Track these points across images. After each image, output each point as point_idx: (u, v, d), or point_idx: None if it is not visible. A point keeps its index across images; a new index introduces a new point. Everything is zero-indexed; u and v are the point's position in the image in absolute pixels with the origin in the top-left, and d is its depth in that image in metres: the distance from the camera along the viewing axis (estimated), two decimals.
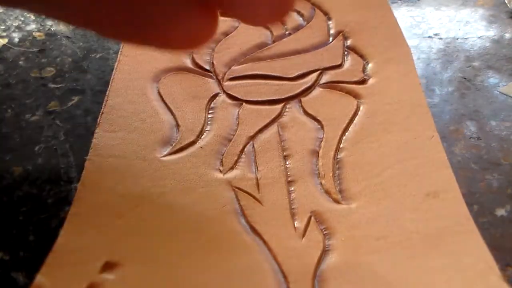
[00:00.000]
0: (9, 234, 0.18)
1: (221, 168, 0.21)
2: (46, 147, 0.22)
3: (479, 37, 0.29)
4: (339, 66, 0.26)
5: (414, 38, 0.29)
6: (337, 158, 0.21)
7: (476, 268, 0.17)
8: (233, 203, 0.19)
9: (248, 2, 0.16)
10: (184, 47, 0.18)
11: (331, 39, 0.27)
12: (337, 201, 0.19)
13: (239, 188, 0.20)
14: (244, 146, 0.21)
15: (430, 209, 0.19)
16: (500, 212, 0.19)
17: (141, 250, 0.17)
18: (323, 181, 0.20)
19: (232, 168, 0.21)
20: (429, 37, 0.29)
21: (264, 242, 0.18)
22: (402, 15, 0.31)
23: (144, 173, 0.20)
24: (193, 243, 0.18)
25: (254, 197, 0.19)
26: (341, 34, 0.27)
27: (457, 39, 0.29)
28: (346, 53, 0.26)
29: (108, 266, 0.16)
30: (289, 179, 0.20)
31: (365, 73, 0.25)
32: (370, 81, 0.25)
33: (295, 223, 0.19)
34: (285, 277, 0.17)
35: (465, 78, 0.26)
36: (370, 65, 0.26)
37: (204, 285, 0.16)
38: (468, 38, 0.29)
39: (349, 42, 0.27)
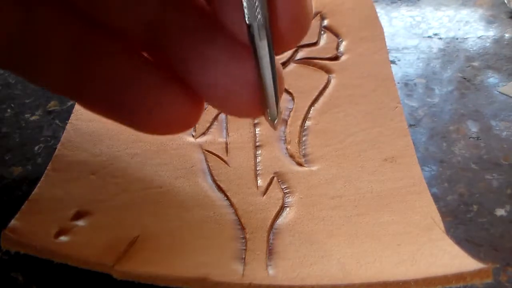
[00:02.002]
0: None
1: (193, 133, 0.22)
2: (45, 146, 0.22)
3: (478, 37, 0.29)
4: (315, 44, 0.27)
5: (414, 38, 0.29)
6: (304, 126, 0.23)
7: (421, 223, 0.18)
8: (202, 163, 0.21)
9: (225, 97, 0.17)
10: (164, 133, 0.19)
11: None
12: (300, 164, 0.21)
13: (208, 151, 0.21)
14: (218, 114, 0.23)
15: (386, 171, 0.20)
16: (500, 212, 0.19)
17: (111, 201, 0.19)
18: (288, 146, 0.21)
19: (204, 133, 0.22)
20: (429, 37, 0.29)
21: (227, 198, 0.19)
22: (402, 15, 0.31)
23: (120, 136, 0.21)
24: (160, 197, 0.19)
25: (221, 159, 0.21)
26: (318, 14, 0.29)
27: (457, 39, 0.29)
28: (322, 32, 0.28)
29: (78, 215, 0.18)
30: (257, 144, 0.22)
31: (339, 51, 0.27)
32: (343, 58, 0.26)
33: (259, 182, 0.20)
34: (243, 228, 0.18)
35: (464, 78, 0.26)
36: (344, 43, 0.27)
37: (167, 231, 0.18)
38: (467, 38, 0.29)
39: (326, 22, 0.28)
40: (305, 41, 0.27)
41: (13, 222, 0.17)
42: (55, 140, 0.22)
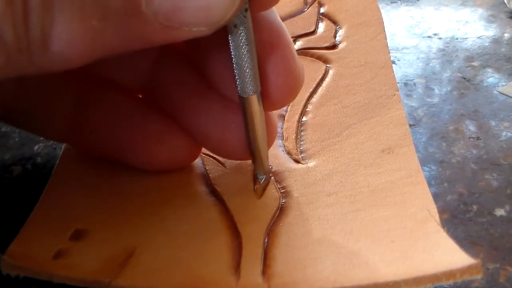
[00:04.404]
0: (8, 234, 0.18)
1: None
2: (45, 146, 0.22)
3: (478, 37, 0.29)
4: (312, 33, 0.27)
5: (414, 38, 0.29)
6: (302, 121, 0.22)
7: (417, 216, 0.17)
8: (199, 168, 0.20)
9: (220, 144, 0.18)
10: (165, 170, 0.19)
11: (306, 7, 0.28)
12: (297, 161, 0.20)
13: (205, 154, 0.21)
14: None
15: (383, 163, 0.19)
16: (500, 212, 0.19)
17: (107, 216, 0.18)
18: (286, 143, 0.21)
19: None
20: (429, 37, 0.29)
21: (223, 202, 0.19)
22: (402, 15, 0.31)
23: None
24: (156, 208, 0.18)
25: (218, 161, 0.20)
26: (316, 1, 0.28)
27: (457, 39, 0.29)
28: (319, 20, 0.27)
29: (76, 233, 0.17)
30: None
31: (336, 38, 0.26)
32: (340, 46, 0.26)
33: (256, 183, 0.19)
34: (239, 235, 0.17)
35: (464, 78, 0.26)
36: (341, 30, 0.27)
37: (163, 243, 0.17)
38: (467, 38, 0.29)
39: (323, 9, 0.28)
40: (302, 30, 0.27)
41: (12, 246, 0.16)
42: None
